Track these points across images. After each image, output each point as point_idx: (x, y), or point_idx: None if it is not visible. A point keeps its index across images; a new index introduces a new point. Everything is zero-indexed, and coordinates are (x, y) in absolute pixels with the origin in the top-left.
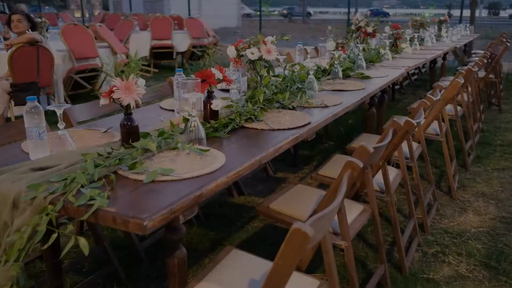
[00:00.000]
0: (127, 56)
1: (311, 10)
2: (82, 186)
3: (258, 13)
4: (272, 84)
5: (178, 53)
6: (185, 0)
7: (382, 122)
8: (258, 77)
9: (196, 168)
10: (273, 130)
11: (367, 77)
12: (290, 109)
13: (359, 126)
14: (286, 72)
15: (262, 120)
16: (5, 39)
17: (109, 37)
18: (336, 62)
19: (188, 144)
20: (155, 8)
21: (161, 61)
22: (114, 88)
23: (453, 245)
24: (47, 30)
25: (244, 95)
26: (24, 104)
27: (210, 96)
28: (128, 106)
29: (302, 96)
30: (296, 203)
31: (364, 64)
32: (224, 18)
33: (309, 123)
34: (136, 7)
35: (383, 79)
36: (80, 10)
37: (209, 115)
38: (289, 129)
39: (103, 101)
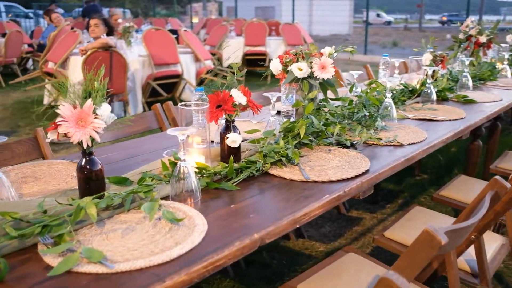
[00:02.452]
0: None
1: (431, 17)
2: None
3: (401, 21)
4: (327, 112)
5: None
6: (297, 5)
7: (492, 159)
8: (307, 101)
9: (152, 250)
10: (308, 182)
11: (471, 101)
12: (346, 146)
13: (462, 155)
14: (357, 93)
15: (297, 164)
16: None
17: (194, 43)
18: (429, 81)
19: (161, 205)
20: (266, 14)
21: (254, 69)
22: (60, 120)
23: None
24: (135, 32)
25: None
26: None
27: (228, 128)
28: (85, 144)
29: (363, 130)
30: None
31: (470, 83)
32: (335, 25)
33: (366, 172)
34: (248, 14)
35: (494, 105)
36: (197, 16)
37: (226, 153)
38: (332, 182)
39: (50, 135)
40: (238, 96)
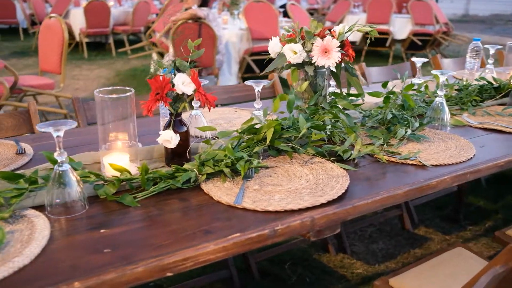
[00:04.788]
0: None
1: None
2: None
3: None
4: (331, 110)
5: (395, 40)
6: None
7: None
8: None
9: None
10: (236, 207)
11: None
12: (338, 160)
13: None
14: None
15: (247, 179)
16: None
17: (299, 18)
18: None
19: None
20: None
21: (376, 49)
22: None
23: None
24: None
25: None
26: None
27: (174, 122)
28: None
29: (376, 139)
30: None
31: None
32: (498, 3)
33: (332, 203)
34: None
35: None
36: None
37: (169, 154)
38: (267, 212)
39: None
40: (181, 83)
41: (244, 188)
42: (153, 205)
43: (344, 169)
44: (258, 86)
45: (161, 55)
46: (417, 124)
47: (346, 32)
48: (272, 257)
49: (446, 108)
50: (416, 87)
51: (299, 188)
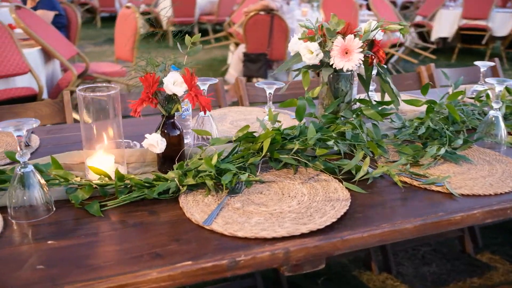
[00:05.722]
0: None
1: None
2: None
3: None
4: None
5: (495, 37)
6: None
7: None
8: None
9: None
10: (203, 228)
11: None
12: (349, 179)
13: None
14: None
15: (233, 195)
16: None
17: (382, 12)
18: None
19: None
20: None
21: (470, 46)
22: None
23: None
24: None
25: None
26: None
27: (165, 124)
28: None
29: (403, 157)
30: None
31: None
32: None
33: (309, 234)
34: None
35: None
36: None
37: (161, 157)
38: (235, 238)
39: None
40: (172, 82)
41: (222, 206)
42: (120, 216)
43: (352, 190)
44: (270, 88)
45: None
46: (460, 141)
47: (372, 30)
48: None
49: (502, 124)
50: (473, 95)
51: (285, 212)
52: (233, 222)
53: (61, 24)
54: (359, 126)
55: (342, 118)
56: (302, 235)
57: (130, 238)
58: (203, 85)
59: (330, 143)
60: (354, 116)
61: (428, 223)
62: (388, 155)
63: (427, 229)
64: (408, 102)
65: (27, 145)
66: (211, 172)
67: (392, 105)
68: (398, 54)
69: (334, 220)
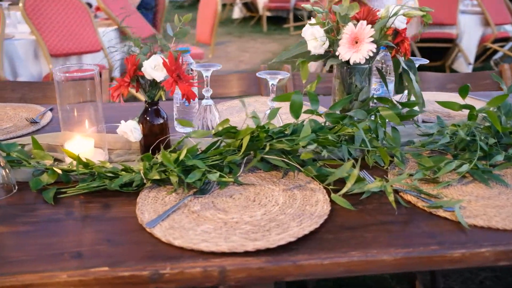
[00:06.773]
0: None
1: None
2: None
3: None
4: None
5: None
6: None
7: None
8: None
9: None
10: (146, 230)
11: None
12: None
13: None
14: None
15: (199, 195)
16: None
17: (486, 1)
18: None
19: None
20: None
21: None
22: None
23: None
24: None
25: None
26: None
27: (146, 111)
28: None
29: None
30: None
31: None
32: None
33: (265, 252)
34: None
35: None
36: None
37: (142, 145)
38: (184, 251)
39: None
40: (152, 66)
41: (178, 207)
42: (72, 206)
43: (338, 205)
44: (273, 79)
45: None
46: (500, 157)
47: (391, 17)
48: (338, 279)
49: None
50: None
51: (241, 222)
52: (179, 227)
53: (150, 5)
54: (375, 129)
55: (355, 118)
56: (246, 253)
57: (62, 232)
58: (206, 72)
59: (311, 146)
60: (368, 117)
61: (415, 257)
62: (405, 166)
63: (413, 264)
64: (443, 104)
65: (34, 122)
66: (176, 167)
67: (416, 107)
68: (503, 51)
69: (293, 239)
